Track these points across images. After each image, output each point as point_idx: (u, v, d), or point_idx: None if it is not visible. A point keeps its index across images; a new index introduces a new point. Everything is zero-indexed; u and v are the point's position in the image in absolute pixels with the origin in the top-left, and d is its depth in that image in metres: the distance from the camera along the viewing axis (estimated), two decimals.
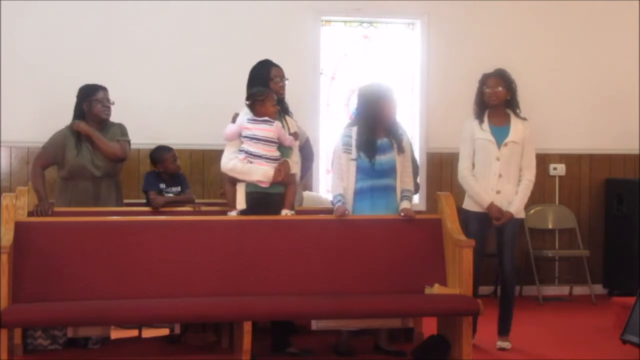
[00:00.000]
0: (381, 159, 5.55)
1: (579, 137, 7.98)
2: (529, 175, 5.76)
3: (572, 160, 8.00)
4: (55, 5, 7.09)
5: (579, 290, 7.90)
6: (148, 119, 7.03)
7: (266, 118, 5.42)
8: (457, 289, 5.27)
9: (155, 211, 5.75)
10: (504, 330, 5.83)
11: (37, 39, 7.07)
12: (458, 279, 5.29)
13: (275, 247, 5.33)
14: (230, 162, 5.44)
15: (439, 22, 7.70)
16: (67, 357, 5.52)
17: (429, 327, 5.65)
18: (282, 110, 5.66)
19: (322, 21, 7.60)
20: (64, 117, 5.94)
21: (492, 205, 5.68)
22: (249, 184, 5.42)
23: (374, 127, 5.57)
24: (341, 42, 7.74)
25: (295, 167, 5.56)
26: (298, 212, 5.62)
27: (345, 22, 7.74)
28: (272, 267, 5.28)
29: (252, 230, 5.35)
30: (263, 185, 5.39)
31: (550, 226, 7.89)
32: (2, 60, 6.97)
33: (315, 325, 5.34)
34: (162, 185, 6.01)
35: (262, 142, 5.39)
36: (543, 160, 7.51)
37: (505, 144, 5.70)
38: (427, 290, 5.33)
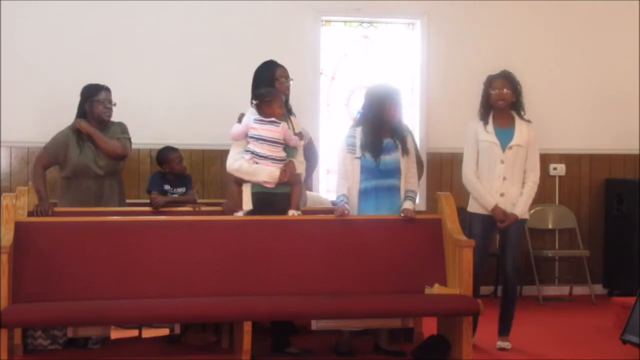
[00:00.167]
0: (386, 159, 5.55)
1: (579, 137, 7.98)
2: (534, 177, 5.74)
3: (572, 160, 8.00)
4: (55, 5, 7.08)
5: (579, 290, 7.90)
6: (148, 119, 7.02)
7: (273, 119, 5.42)
8: (457, 289, 5.27)
9: (156, 211, 5.76)
10: (504, 330, 5.82)
11: (37, 39, 7.06)
12: (458, 279, 5.28)
13: (275, 247, 5.33)
14: (237, 163, 5.44)
15: (439, 22, 7.70)
16: (67, 357, 5.52)
17: (429, 327, 5.65)
18: (286, 111, 5.65)
19: (322, 21, 7.59)
20: (64, 117, 5.95)
21: (496, 208, 5.66)
22: (255, 185, 5.42)
23: (379, 127, 5.56)
24: (341, 42, 7.73)
25: (300, 167, 5.57)
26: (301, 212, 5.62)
27: (345, 22, 7.74)
28: (272, 267, 5.29)
29: (251, 230, 5.35)
30: (268, 185, 5.40)
31: (550, 226, 7.89)
32: (2, 60, 6.96)
33: (315, 325, 5.34)
34: (167, 186, 6.01)
35: (268, 142, 5.39)
36: (543, 160, 7.41)
37: (510, 147, 5.67)
38: (427, 290, 5.33)
